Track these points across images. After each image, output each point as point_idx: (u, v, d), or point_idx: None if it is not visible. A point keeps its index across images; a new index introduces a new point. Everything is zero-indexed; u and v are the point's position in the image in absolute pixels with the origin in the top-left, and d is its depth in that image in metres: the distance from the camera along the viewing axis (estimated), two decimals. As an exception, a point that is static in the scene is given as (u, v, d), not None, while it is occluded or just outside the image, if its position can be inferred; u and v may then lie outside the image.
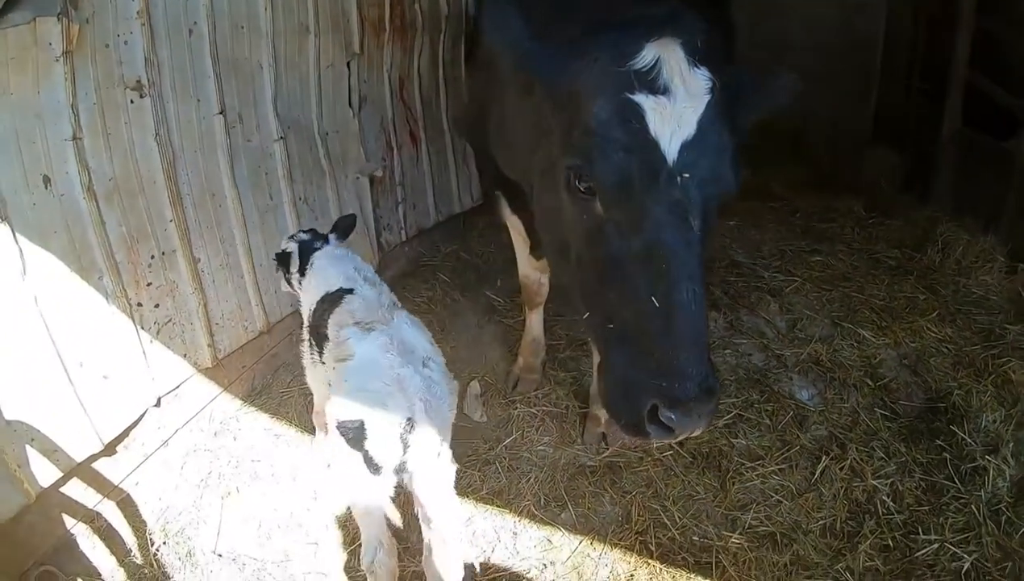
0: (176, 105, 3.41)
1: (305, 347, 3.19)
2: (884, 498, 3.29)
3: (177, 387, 3.60)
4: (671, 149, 1.84)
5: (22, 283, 2.78)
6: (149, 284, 3.39)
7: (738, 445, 3.64)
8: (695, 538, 3.20)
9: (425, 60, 5.25)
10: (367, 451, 2.27)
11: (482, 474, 3.60)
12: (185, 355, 3.62)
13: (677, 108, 1.85)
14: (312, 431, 3.80)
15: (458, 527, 2.73)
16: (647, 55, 1.87)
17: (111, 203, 3.18)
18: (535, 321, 4.17)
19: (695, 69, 1.89)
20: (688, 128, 1.85)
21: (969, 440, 3.52)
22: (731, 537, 3.17)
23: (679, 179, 1.83)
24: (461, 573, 2.65)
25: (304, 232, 3.44)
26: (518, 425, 3.90)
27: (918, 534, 3.12)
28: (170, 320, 3.52)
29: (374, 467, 2.31)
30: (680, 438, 1.91)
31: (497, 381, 4.28)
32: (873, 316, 4.61)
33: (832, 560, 3.07)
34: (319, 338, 2.87)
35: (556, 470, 3.61)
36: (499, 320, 4.90)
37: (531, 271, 3.88)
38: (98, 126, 3.07)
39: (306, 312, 3.16)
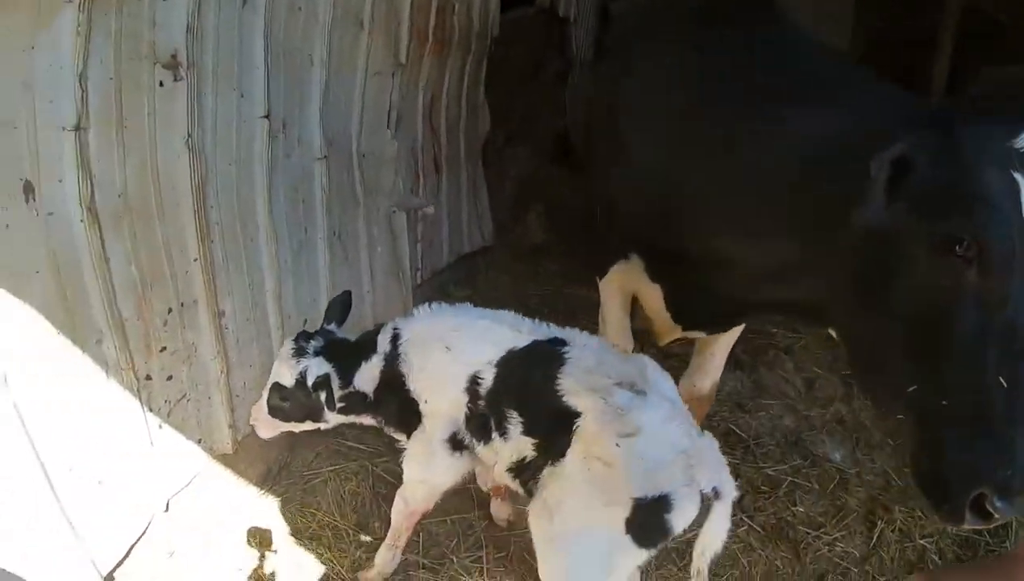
0: (215, 99, 2.22)
1: (435, 429, 2.16)
2: (932, 556, 3.07)
3: (189, 483, 2.35)
4: None
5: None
6: (163, 349, 2.16)
7: (799, 513, 3.27)
8: (789, 615, 2.82)
9: (454, 80, 4.20)
10: (669, 523, 1.89)
11: None
12: (200, 440, 2.38)
13: None
14: (352, 526, 2.68)
15: None
16: None
17: (119, 229, 1.98)
18: None
19: None
20: None
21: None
22: (819, 610, 2.80)
23: None
24: None
25: (303, 339, 2.22)
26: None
27: (969, 587, 2.92)
28: (184, 396, 2.28)
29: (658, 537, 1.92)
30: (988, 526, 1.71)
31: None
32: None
33: (908, 621, 2.78)
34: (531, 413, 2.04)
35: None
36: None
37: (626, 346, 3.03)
38: (112, 114, 1.88)
39: (450, 393, 2.13)
